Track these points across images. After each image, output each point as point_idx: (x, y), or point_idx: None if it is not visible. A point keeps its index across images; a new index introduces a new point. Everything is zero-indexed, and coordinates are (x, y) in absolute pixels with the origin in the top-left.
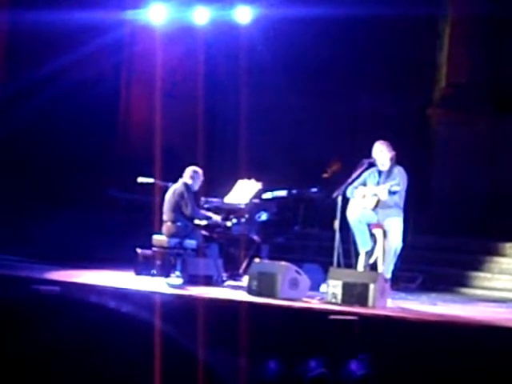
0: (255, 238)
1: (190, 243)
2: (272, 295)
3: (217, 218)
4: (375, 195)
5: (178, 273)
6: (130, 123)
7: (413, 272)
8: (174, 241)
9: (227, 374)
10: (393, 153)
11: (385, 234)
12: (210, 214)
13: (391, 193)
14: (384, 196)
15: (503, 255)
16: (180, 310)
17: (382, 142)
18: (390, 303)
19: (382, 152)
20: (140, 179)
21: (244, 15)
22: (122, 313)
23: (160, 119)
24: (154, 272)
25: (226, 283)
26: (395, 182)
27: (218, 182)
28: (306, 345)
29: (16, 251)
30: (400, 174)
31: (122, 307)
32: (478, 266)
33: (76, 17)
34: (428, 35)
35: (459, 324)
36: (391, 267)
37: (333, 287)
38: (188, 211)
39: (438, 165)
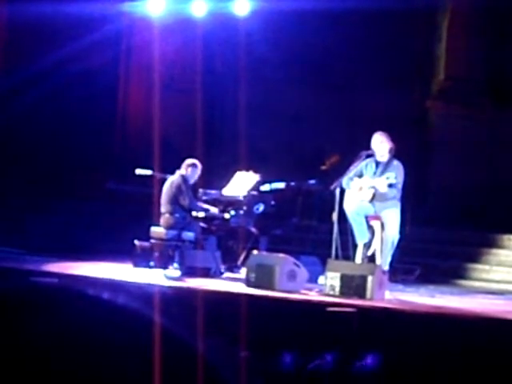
0: (253, 230)
1: (188, 235)
2: (270, 287)
3: (214, 210)
4: (372, 188)
5: (176, 265)
6: (128, 115)
7: (411, 264)
8: (172, 233)
9: (226, 366)
10: (392, 144)
11: (382, 226)
12: (207, 206)
13: (389, 185)
14: (383, 188)
15: (501, 247)
16: (178, 302)
17: (381, 133)
18: (388, 295)
19: (381, 143)
20: (138, 171)
21: (242, 7)
22: (119, 305)
23: (158, 111)
24: (152, 264)
25: (224, 275)
26: (392, 175)
27: (216, 173)
28: (304, 337)
29: (14, 243)
30: (397, 167)
31: (120, 299)
32: (476, 258)
33: (74, 9)
34: (426, 27)
35: (457, 316)
36: (389, 259)
37: (331, 279)
38: (185, 203)
39: (437, 157)
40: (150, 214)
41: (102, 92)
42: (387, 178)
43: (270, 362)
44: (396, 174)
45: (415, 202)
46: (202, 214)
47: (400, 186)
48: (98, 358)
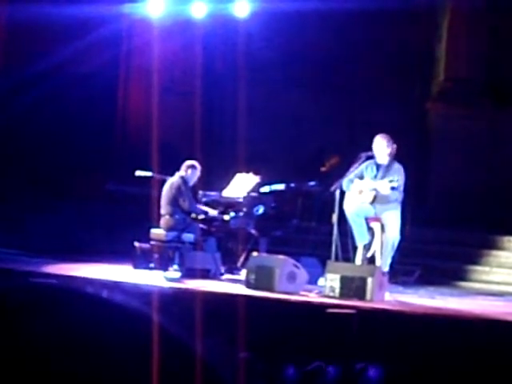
0: (253, 231)
1: (188, 237)
2: (270, 289)
3: (213, 212)
4: (373, 190)
5: (175, 266)
6: (128, 116)
7: (411, 265)
8: (172, 234)
9: (225, 367)
10: (393, 147)
11: (382, 228)
12: (207, 208)
13: (392, 188)
14: (386, 191)
15: (501, 249)
16: (178, 303)
17: (383, 135)
18: (387, 297)
19: (382, 146)
20: (138, 172)
21: (242, 9)
22: (118, 306)
23: (158, 113)
24: (152, 266)
25: (224, 277)
26: (395, 179)
27: (216, 175)
28: (303, 338)
29: (14, 244)
30: (399, 170)
31: (119, 301)
32: (476, 260)
33: (74, 10)
34: (427, 28)
35: (457, 317)
36: (389, 261)
37: (331, 281)
38: (185, 205)
39: (437, 158)
40: (150, 215)
41: (101, 93)
42: (390, 181)
43: (270, 364)
44: (397, 177)
45: (415, 203)
46: (201, 216)
47: (401, 188)
48: (97, 358)
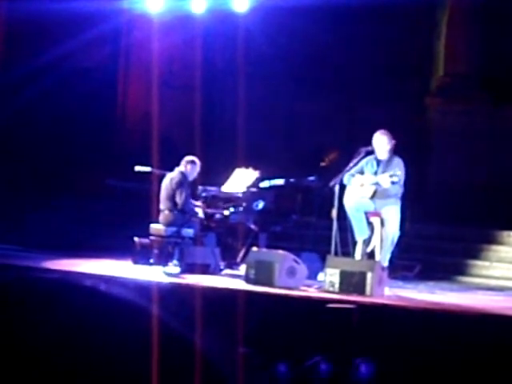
0: (253, 226)
1: (188, 232)
2: (269, 284)
3: (201, 215)
4: (374, 184)
5: (175, 261)
6: (127, 112)
7: (411, 260)
8: (172, 229)
9: (224, 362)
10: (392, 143)
11: (382, 223)
12: (197, 209)
13: (392, 182)
14: (386, 184)
15: (501, 243)
16: (177, 298)
17: (382, 131)
18: (387, 292)
19: (382, 142)
20: (137, 168)
21: (242, 4)
22: (118, 302)
23: (157, 108)
24: (152, 261)
25: (224, 272)
26: (396, 173)
27: (215, 170)
28: (303, 333)
29: (14, 240)
30: (399, 164)
31: (119, 296)
32: (475, 255)
33: (74, 6)
34: (426, 24)
35: (457, 312)
36: (388, 256)
37: (330, 276)
38: (180, 201)
39: (436, 154)
40: (150, 210)
41: (101, 88)
42: (390, 176)
43: (269, 359)
44: (398, 171)
45: (415, 198)
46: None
47: (402, 182)
48: (97, 352)
